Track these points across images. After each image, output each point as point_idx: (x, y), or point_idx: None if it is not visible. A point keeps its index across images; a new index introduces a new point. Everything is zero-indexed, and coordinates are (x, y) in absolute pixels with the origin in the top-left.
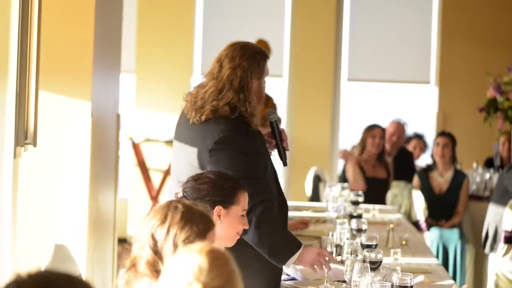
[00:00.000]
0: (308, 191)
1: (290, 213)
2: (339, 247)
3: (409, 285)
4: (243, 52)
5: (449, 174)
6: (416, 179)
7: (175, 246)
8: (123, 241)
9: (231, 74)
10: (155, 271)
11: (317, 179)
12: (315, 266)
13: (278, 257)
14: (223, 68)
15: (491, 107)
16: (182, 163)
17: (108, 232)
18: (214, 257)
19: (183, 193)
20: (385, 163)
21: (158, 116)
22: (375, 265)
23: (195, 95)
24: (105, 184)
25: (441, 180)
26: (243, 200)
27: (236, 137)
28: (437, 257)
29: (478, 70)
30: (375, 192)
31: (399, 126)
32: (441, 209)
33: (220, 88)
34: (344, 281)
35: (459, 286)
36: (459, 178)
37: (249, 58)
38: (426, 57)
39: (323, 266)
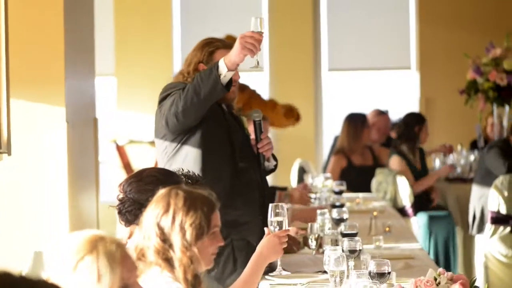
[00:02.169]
0: (294, 183)
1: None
2: (319, 237)
3: (386, 271)
4: (196, 45)
5: (417, 153)
6: (399, 160)
7: (183, 231)
8: None
9: (185, 62)
10: (165, 260)
11: (302, 171)
12: (248, 48)
13: (209, 82)
14: None
15: (472, 89)
16: (157, 154)
17: None
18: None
19: (125, 195)
20: (372, 149)
21: (141, 117)
22: (354, 254)
23: None
24: (85, 189)
25: (415, 159)
26: None
27: (176, 84)
28: (429, 242)
29: (457, 53)
30: (364, 180)
31: (386, 118)
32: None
33: (176, 75)
34: (325, 272)
35: (452, 271)
36: (423, 154)
37: (197, 47)
38: (406, 43)
39: (254, 45)
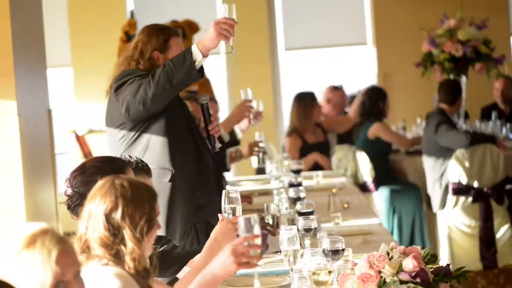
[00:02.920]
0: (255, 164)
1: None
2: (276, 217)
3: (340, 248)
4: (143, 30)
5: None
6: (383, 125)
7: (135, 224)
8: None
9: (133, 49)
10: (112, 253)
11: (262, 152)
12: (223, 34)
13: (184, 68)
14: (130, 47)
15: (427, 61)
16: (109, 144)
17: None
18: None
19: (72, 190)
20: (320, 125)
21: (99, 106)
22: (310, 232)
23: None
24: (42, 182)
25: None
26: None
27: (133, 71)
28: (393, 216)
29: (413, 26)
30: (321, 154)
31: (341, 93)
32: None
33: (121, 61)
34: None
35: (419, 244)
36: None
37: (148, 34)
38: (361, 19)
39: (229, 31)
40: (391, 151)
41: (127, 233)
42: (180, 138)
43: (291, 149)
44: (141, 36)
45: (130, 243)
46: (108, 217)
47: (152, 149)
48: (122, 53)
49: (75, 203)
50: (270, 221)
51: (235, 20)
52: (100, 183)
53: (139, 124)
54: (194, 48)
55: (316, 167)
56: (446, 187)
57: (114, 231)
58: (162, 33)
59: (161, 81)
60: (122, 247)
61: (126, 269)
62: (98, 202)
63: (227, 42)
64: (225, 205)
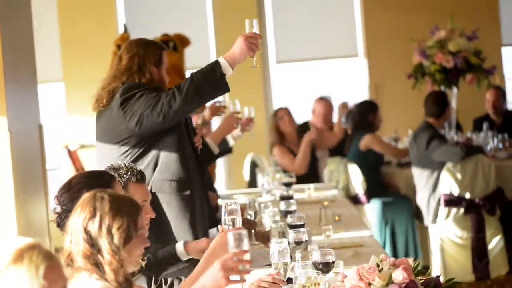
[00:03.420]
0: (247, 178)
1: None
2: (257, 213)
3: (331, 261)
4: (138, 44)
5: None
6: (374, 136)
7: (111, 236)
8: None
9: (129, 62)
10: (93, 264)
11: (254, 165)
12: (252, 49)
13: (214, 81)
14: (122, 60)
15: (418, 72)
16: (104, 160)
17: None
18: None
19: (60, 207)
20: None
21: (91, 121)
22: (300, 245)
23: (97, 95)
24: (33, 197)
25: None
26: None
27: (139, 84)
28: (385, 228)
29: (404, 38)
30: (311, 167)
31: (326, 103)
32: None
33: (116, 74)
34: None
35: (412, 256)
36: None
37: (146, 48)
38: (352, 31)
39: (257, 45)
40: (383, 162)
41: (103, 243)
42: (188, 152)
43: (283, 156)
44: (137, 50)
45: (107, 255)
46: (86, 228)
47: (168, 162)
48: (116, 65)
49: (63, 221)
50: (253, 216)
51: (260, 35)
52: (83, 196)
53: (145, 139)
54: (222, 61)
55: (309, 175)
56: (438, 202)
57: (92, 241)
58: (157, 48)
59: (189, 93)
60: (100, 257)
61: (108, 279)
62: (78, 214)
63: (253, 57)
64: (225, 217)
